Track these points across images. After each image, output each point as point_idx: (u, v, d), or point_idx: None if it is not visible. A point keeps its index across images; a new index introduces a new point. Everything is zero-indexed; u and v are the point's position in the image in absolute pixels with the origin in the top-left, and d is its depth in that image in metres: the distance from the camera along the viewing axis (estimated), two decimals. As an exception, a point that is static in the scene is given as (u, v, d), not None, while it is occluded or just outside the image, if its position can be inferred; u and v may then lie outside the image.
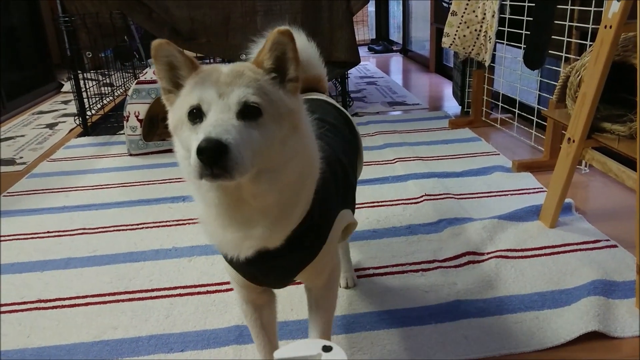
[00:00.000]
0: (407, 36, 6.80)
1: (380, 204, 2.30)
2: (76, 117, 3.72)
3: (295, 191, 0.97)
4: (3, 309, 1.66)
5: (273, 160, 0.89)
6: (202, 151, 0.78)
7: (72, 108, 4.15)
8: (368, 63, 6.28)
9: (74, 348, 1.47)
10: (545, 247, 1.86)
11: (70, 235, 2.15)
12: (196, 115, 0.86)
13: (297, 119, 0.94)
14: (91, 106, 3.82)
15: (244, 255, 0.98)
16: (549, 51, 2.62)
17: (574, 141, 1.87)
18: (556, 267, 1.74)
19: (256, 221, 0.94)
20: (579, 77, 1.88)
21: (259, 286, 1.14)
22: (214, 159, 0.79)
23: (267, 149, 0.87)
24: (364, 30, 7.84)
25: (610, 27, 1.69)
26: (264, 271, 1.06)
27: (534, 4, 2.66)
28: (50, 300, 1.70)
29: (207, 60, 5.42)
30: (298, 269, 1.08)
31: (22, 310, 1.65)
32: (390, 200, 2.33)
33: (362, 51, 6.76)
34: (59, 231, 2.19)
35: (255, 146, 0.84)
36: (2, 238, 2.15)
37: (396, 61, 6.57)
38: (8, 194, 2.64)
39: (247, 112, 0.85)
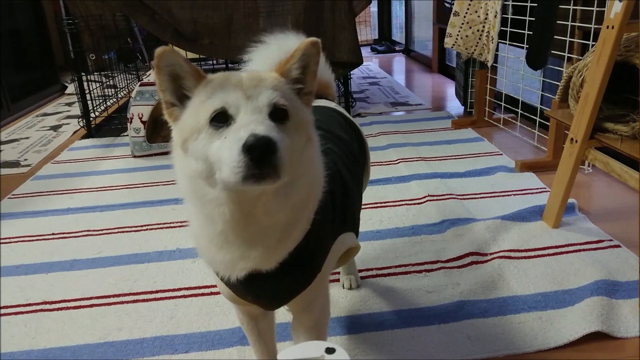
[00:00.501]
0: (409, 36, 6.80)
1: (383, 204, 2.30)
2: (80, 119, 3.73)
3: (301, 209, 0.92)
4: (9, 310, 1.68)
5: (292, 171, 0.84)
6: (252, 148, 0.73)
7: (76, 110, 4.16)
8: (370, 63, 6.28)
9: (79, 349, 1.48)
10: (548, 247, 1.87)
11: (74, 237, 2.16)
12: (220, 119, 0.81)
13: (310, 131, 0.91)
14: (95, 108, 3.83)
15: (236, 276, 0.94)
16: (552, 51, 2.62)
17: (576, 141, 1.87)
18: (559, 267, 1.74)
19: (260, 240, 0.90)
20: (582, 77, 1.88)
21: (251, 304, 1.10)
22: (267, 156, 0.74)
23: (291, 156, 0.82)
24: (367, 30, 7.84)
25: (613, 27, 1.69)
26: (254, 293, 1.02)
27: (536, 4, 2.66)
28: (55, 302, 1.71)
29: (211, 62, 5.46)
30: (289, 296, 1.03)
31: (27, 312, 1.66)
32: (393, 201, 2.33)
33: (365, 51, 6.77)
34: (63, 233, 2.20)
35: (288, 149, 0.80)
36: (8, 240, 2.16)
37: (399, 61, 6.57)
38: (13, 196, 2.65)
39: (276, 116, 0.82)
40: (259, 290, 1.00)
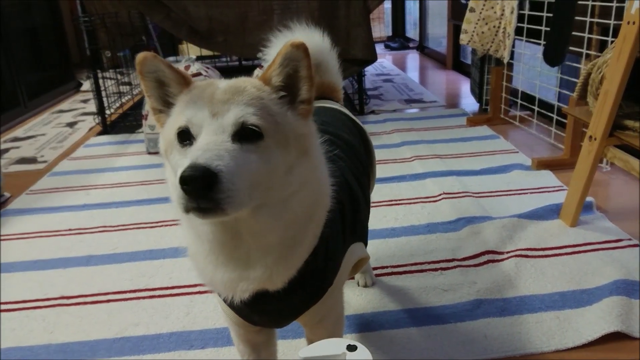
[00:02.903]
0: (423, 33, 6.76)
1: (398, 202, 2.29)
2: (95, 116, 3.76)
3: (302, 226, 0.86)
4: (27, 305, 1.70)
5: (277, 192, 0.79)
6: (186, 180, 0.67)
7: (91, 107, 4.20)
8: (384, 60, 6.26)
9: (97, 344, 1.49)
10: (566, 246, 1.84)
11: (91, 233, 2.18)
12: (185, 137, 0.77)
13: (308, 144, 0.83)
14: (110, 105, 3.86)
15: (239, 297, 0.87)
16: (569, 47, 2.58)
17: (595, 139, 1.85)
18: (577, 266, 1.72)
19: (255, 261, 0.84)
20: (601, 74, 1.86)
21: (256, 326, 1.05)
22: (202, 190, 0.67)
23: (270, 178, 0.77)
24: (380, 27, 7.80)
25: (634, 23, 1.66)
26: (260, 313, 0.96)
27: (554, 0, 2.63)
28: (72, 297, 1.72)
29: (225, 59, 5.48)
30: (299, 312, 0.98)
31: (45, 307, 1.68)
32: (408, 199, 2.32)
33: (378, 48, 6.72)
34: (80, 229, 2.22)
35: (255, 175, 0.74)
36: (26, 235, 2.19)
37: (412, 58, 6.53)
38: (30, 192, 2.68)
39: (245, 135, 0.75)
40: (266, 310, 0.95)
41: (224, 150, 0.72)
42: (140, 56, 0.82)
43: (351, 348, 0.57)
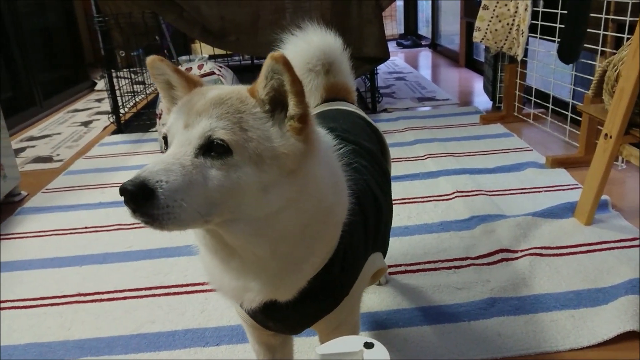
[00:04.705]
0: (436, 30, 6.73)
1: (411, 200, 2.29)
2: (110, 115, 3.80)
3: (301, 242, 0.83)
4: (45, 302, 1.72)
5: (252, 209, 0.76)
6: (120, 192, 0.68)
7: (106, 106, 4.24)
8: (396, 58, 6.24)
9: (113, 341, 1.51)
10: (580, 245, 1.83)
11: (106, 230, 2.20)
12: (167, 144, 0.78)
13: (294, 164, 0.77)
14: (124, 104, 3.89)
15: (248, 306, 0.88)
16: (584, 44, 2.56)
17: (611, 137, 1.84)
18: (592, 265, 1.71)
19: (252, 274, 0.83)
20: (617, 71, 1.84)
21: (271, 331, 1.04)
22: (134, 203, 0.68)
23: (237, 196, 0.74)
24: (392, 25, 7.77)
25: (650, 19, 1.64)
26: (274, 320, 0.96)
27: (568, -3, 2.60)
28: (89, 294, 1.75)
29: (238, 58, 5.50)
30: (313, 321, 0.98)
31: (62, 304, 1.70)
32: (421, 197, 2.32)
33: (391, 46, 6.68)
34: (95, 227, 2.24)
35: (214, 192, 0.72)
36: (43, 233, 2.22)
37: (425, 56, 6.51)
38: (46, 191, 2.72)
39: (212, 149, 0.73)
40: (278, 318, 0.95)
41: (178, 165, 0.71)
42: (149, 59, 0.84)
43: (368, 345, 0.57)
